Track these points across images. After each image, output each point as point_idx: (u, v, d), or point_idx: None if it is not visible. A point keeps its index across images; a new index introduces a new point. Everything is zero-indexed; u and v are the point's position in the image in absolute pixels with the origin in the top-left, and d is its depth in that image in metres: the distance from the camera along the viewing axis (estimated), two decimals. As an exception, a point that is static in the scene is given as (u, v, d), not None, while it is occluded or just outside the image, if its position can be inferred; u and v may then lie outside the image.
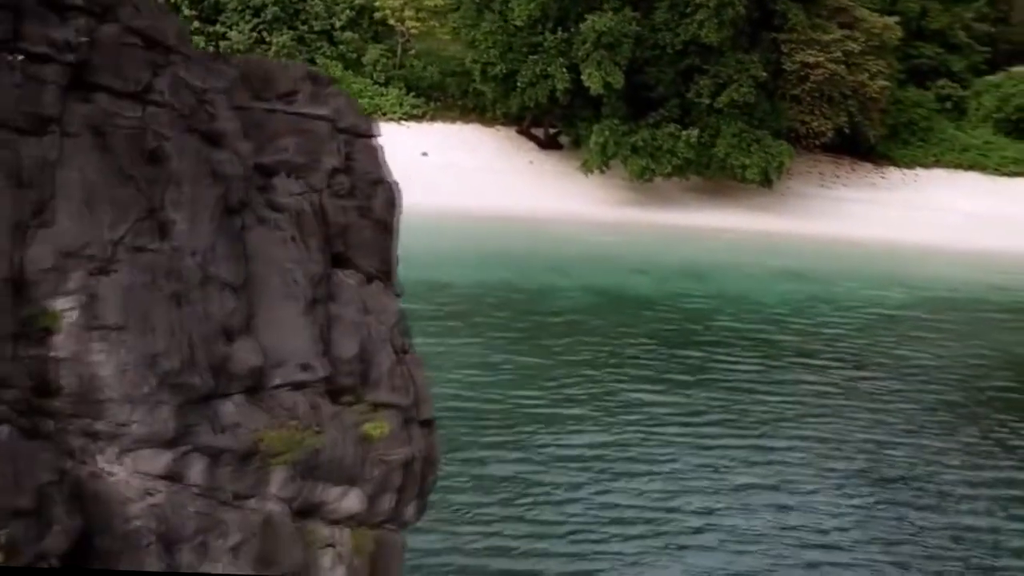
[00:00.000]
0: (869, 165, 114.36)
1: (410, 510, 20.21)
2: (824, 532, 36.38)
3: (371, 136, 20.05)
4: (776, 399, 47.88)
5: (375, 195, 20.08)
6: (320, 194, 19.41)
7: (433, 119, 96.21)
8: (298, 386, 18.89)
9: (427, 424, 20.35)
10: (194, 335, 18.01)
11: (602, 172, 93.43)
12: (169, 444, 18.04)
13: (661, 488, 38.26)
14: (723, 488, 39.12)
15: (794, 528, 36.32)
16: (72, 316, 17.28)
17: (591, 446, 41.31)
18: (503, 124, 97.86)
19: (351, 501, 19.53)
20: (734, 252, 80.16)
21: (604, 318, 61.16)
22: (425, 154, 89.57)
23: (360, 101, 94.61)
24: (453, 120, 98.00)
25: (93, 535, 17.76)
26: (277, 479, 18.97)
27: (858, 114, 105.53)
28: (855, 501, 38.21)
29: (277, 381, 18.74)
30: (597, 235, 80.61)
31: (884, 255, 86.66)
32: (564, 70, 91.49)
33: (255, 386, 18.66)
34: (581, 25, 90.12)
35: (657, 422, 44.12)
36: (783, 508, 38.18)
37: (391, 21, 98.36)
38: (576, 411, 44.97)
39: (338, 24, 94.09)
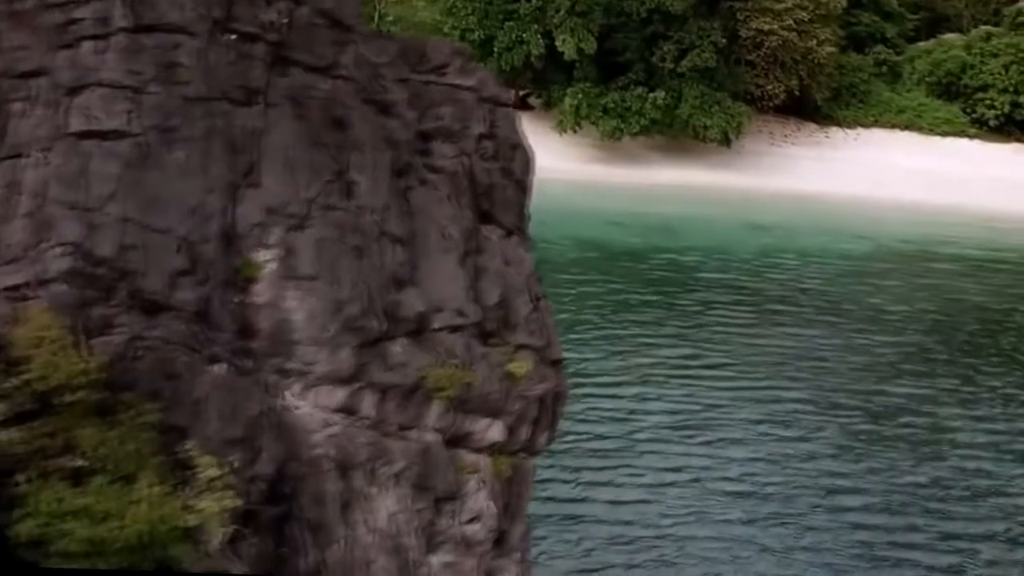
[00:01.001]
0: (814, 125, 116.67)
1: (542, 440, 21.93)
2: (832, 459, 38.46)
3: (509, 105, 21.63)
4: (772, 346, 49.84)
5: (514, 158, 21.65)
6: (469, 157, 20.96)
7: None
8: (454, 329, 20.45)
9: (556, 363, 22.02)
10: (371, 284, 19.50)
11: (575, 132, 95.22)
12: (346, 381, 19.55)
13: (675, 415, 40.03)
14: (735, 422, 41.19)
15: (807, 458, 38.48)
16: (272, 267, 18.75)
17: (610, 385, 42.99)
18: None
19: (494, 432, 21.15)
20: (700, 206, 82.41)
21: (596, 268, 62.87)
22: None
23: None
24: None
25: (286, 461, 19.20)
26: (434, 412, 20.54)
27: (807, 78, 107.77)
28: (854, 439, 40.27)
29: (437, 325, 20.27)
30: (570, 190, 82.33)
31: (835, 208, 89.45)
32: (538, 36, 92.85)
33: (418, 329, 20.21)
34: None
35: (673, 366, 45.95)
36: (789, 440, 40.35)
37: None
38: (589, 355, 46.75)
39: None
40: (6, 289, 17.15)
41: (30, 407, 16.32)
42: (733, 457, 37.92)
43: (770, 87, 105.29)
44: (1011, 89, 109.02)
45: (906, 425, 42.20)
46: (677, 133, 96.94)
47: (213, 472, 17.44)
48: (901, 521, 34.39)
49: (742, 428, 40.34)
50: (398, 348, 20.05)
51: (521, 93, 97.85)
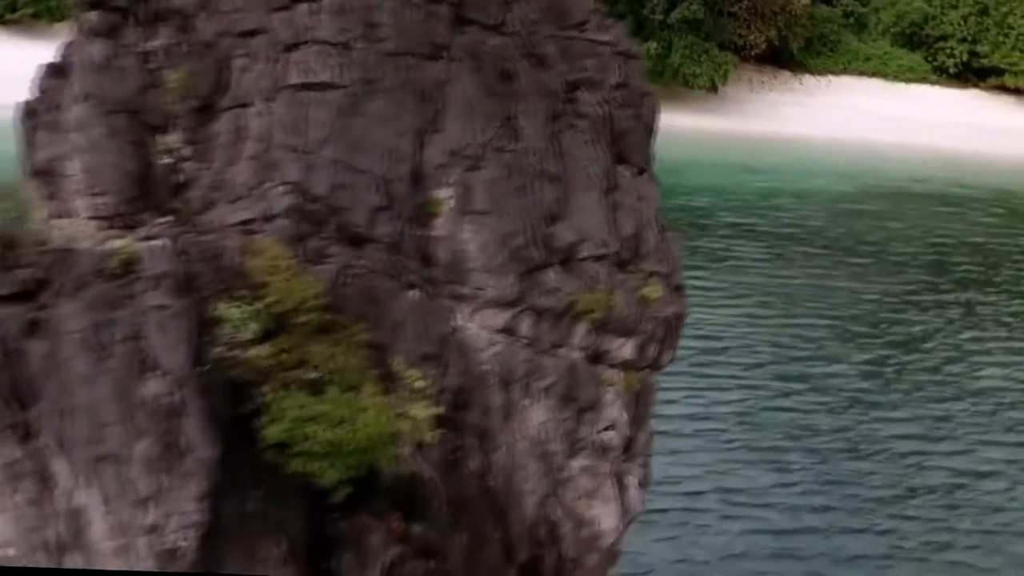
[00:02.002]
0: (788, 73, 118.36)
1: (665, 357, 23.71)
2: (863, 380, 40.47)
3: (639, 57, 23.16)
4: (790, 282, 51.57)
5: (643, 104, 23.30)
6: (608, 104, 22.54)
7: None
8: (597, 258, 22.17)
9: (679, 288, 23.75)
10: (532, 218, 21.18)
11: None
12: (509, 305, 21.30)
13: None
14: (766, 348, 43.07)
15: (826, 388, 40.48)
16: (451, 203, 20.41)
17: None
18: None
19: (627, 350, 22.93)
20: (695, 150, 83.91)
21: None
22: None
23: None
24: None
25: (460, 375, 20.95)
26: (580, 332, 22.30)
27: (784, 28, 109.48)
28: (881, 365, 42.20)
29: (584, 254, 21.98)
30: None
31: (816, 150, 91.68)
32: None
33: (567, 258, 21.92)
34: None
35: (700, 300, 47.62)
36: (819, 363, 42.37)
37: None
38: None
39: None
40: (237, 224, 18.72)
41: (269, 327, 17.93)
42: (769, 383, 39.85)
43: (751, 37, 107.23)
44: (969, 39, 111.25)
45: (926, 351, 44.30)
46: (668, 81, 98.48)
47: (420, 384, 19.24)
48: (940, 441, 36.27)
49: (774, 353, 42.30)
50: (551, 275, 21.73)
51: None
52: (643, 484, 24.74)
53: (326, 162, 19.09)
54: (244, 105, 19.27)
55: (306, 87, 19.05)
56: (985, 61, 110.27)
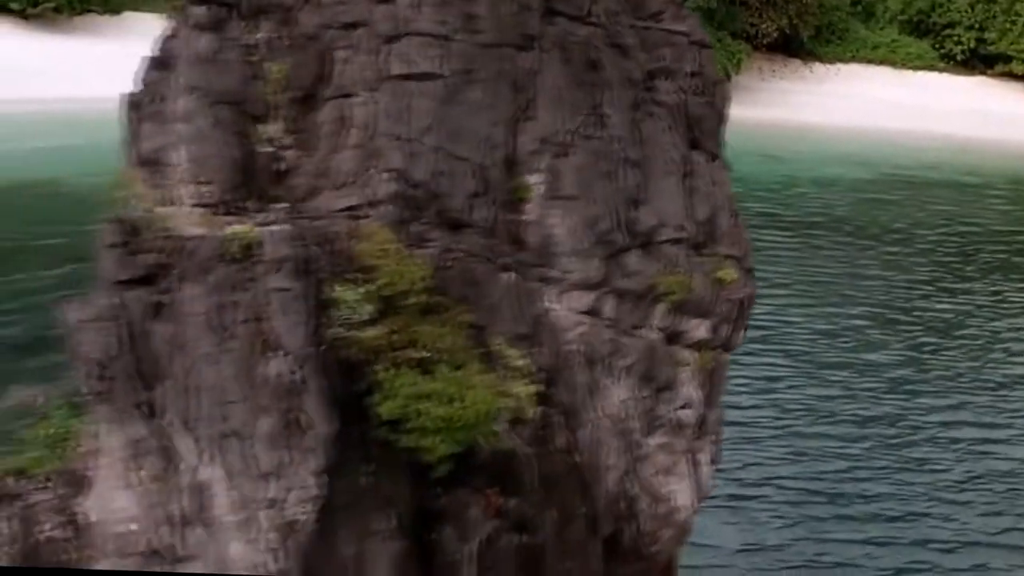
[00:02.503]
0: (798, 61, 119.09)
1: (736, 338, 24.32)
2: (895, 370, 41.17)
3: (711, 47, 23.73)
4: (821, 268, 51.97)
5: (716, 93, 23.86)
6: (684, 93, 23.12)
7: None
8: (675, 242, 22.77)
9: (750, 271, 24.37)
10: (616, 203, 21.76)
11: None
12: (594, 287, 21.89)
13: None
14: (809, 334, 43.69)
15: (867, 374, 41.13)
16: (540, 188, 20.99)
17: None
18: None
19: (702, 330, 23.54)
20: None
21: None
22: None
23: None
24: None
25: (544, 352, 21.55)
26: (658, 313, 22.91)
27: (795, 17, 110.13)
28: (918, 351, 42.80)
29: (663, 237, 22.57)
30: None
31: (830, 137, 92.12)
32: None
33: (648, 242, 22.50)
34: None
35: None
36: (860, 350, 43.03)
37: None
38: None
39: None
40: (343, 209, 19.33)
41: (379, 309, 18.55)
42: (812, 369, 40.45)
43: (763, 25, 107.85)
44: (976, 26, 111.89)
45: (962, 337, 44.91)
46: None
47: (520, 362, 19.85)
48: (992, 428, 36.81)
49: (813, 340, 42.91)
50: (633, 258, 22.34)
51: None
52: (713, 462, 25.38)
53: (427, 149, 19.65)
54: (347, 95, 19.80)
55: (408, 77, 19.59)
56: (992, 48, 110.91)
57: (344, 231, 18.79)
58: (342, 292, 17.87)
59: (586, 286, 21.91)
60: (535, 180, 20.97)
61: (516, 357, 19.71)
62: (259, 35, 20.27)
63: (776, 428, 34.77)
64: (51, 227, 45.94)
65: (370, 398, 18.38)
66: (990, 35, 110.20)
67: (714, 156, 24.04)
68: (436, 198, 19.76)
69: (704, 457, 24.77)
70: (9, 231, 45.30)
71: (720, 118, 24.05)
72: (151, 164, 20.55)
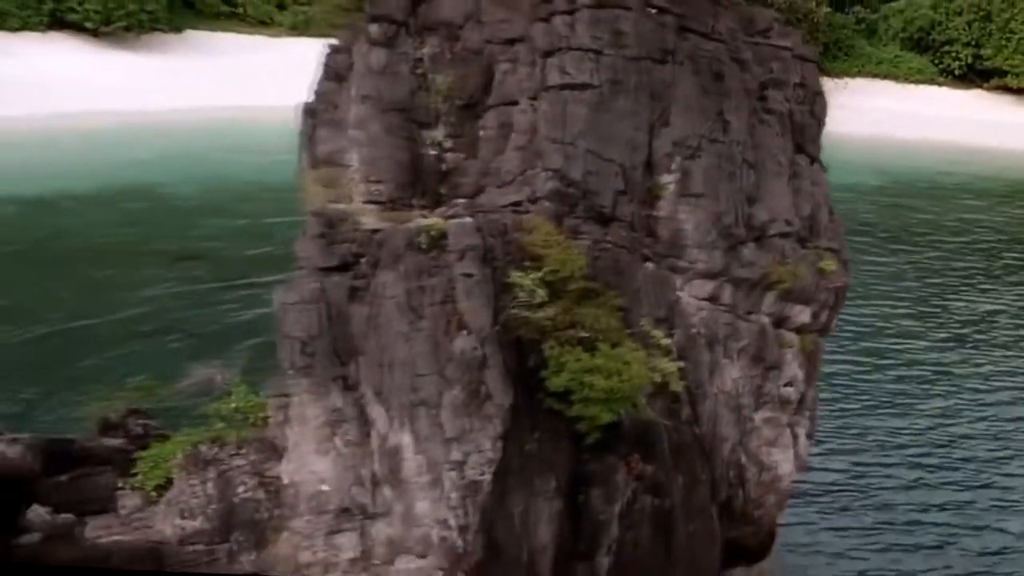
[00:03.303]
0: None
1: (832, 323, 25.36)
2: (939, 358, 41.99)
3: (813, 60, 24.79)
4: (866, 270, 52.29)
5: (816, 102, 24.90)
6: (789, 102, 24.15)
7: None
8: (784, 235, 23.79)
9: (845, 263, 25.41)
10: (736, 200, 22.78)
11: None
12: (715, 276, 22.91)
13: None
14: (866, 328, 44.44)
15: (914, 362, 42.01)
16: (672, 187, 21.99)
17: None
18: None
19: (804, 315, 24.54)
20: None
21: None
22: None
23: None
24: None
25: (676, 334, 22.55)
26: (768, 300, 23.93)
27: (808, 35, 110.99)
28: (962, 344, 43.57)
29: (773, 232, 23.59)
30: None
31: (847, 147, 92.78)
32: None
33: (760, 235, 23.48)
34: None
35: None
36: (901, 339, 43.55)
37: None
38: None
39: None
40: (507, 205, 20.43)
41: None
42: (861, 358, 41.28)
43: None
44: (973, 43, 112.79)
45: (996, 330, 45.79)
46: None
47: (665, 342, 20.92)
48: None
49: (859, 332, 43.78)
50: (748, 250, 23.37)
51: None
52: (809, 436, 26.43)
53: (581, 152, 20.73)
54: (509, 103, 20.88)
55: (565, 87, 20.67)
56: (988, 63, 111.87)
57: (512, 224, 19.83)
58: (519, 278, 18.91)
59: (709, 275, 22.94)
60: (668, 179, 22.01)
61: (661, 337, 20.76)
62: (425, 50, 21.35)
63: (831, 417, 35.50)
64: (154, 229, 47.16)
65: (540, 372, 19.39)
66: (986, 51, 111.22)
67: (813, 159, 25.09)
68: (587, 195, 20.81)
69: (802, 431, 25.80)
70: (118, 232, 46.47)
71: (820, 125, 25.11)
72: (326, 165, 21.65)
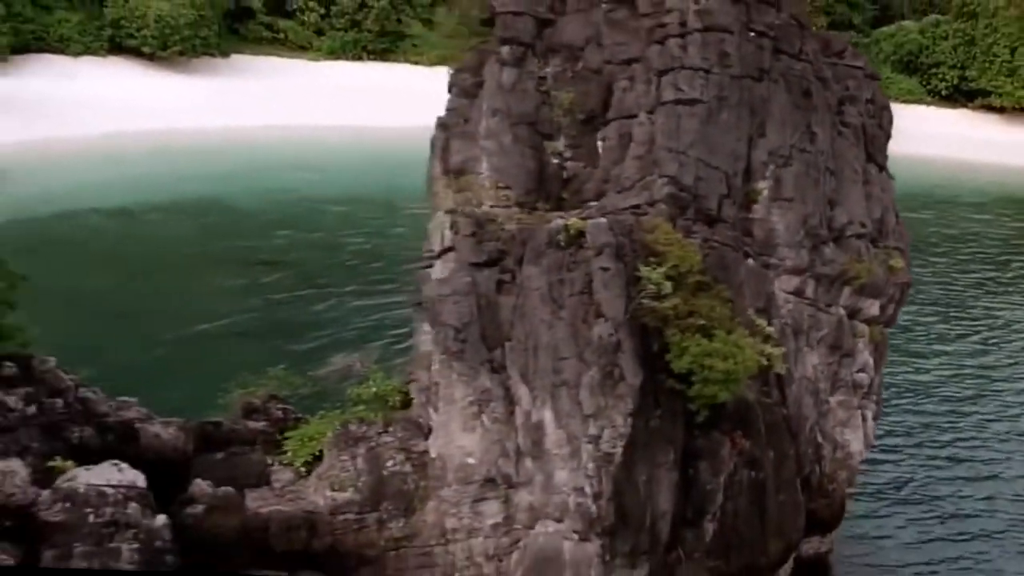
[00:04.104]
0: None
1: (897, 315, 26.52)
2: (967, 357, 42.88)
3: (879, 78, 26.00)
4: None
5: (883, 116, 26.09)
6: (862, 116, 25.34)
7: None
8: (859, 236, 24.96)
9: (909, 261, 26.55)
10: (820, 204, 23.93)
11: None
12: (801, 272, 24.05)
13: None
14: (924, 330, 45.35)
15: (943, 357, 43.00)
16: (765, 192, 23.14)
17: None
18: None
19: (874, 309, 25.68)
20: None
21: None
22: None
23: (434, 52, 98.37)
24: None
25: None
26: (845, 294, 25.08)
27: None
28: (982, 342, 44.52)
29: (850, 232, 24.75)
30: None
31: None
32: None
33: (839, 236, 24.62)
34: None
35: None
36: (930, 338, 44.54)
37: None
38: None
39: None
40: (627, 208, 21.58)
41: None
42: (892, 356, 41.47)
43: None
44: (958, 65, 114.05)
45: (1017, 331, 46.97)
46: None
47: (769, 329, 22.06)
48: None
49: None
50: (829, 249, 24.52)
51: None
52: (875, 418, 27.57)
53: (692, 160, 21.90)
54: (628, 117, 22.06)
55: (679, 102, 21.84)
56: (973, 84, 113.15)
57: (635, 224, 20.99)
58: (647, 272, 20.04)
59: (796, 271, 24.08)
60: (763, 185, 23.17)
61: (766, 325, 21.89)
62: (549, 69, 22.53)
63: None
64: (225, 237, 48.26)
65: (663, 356, 20.52)
66: (971, 73, 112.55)
67: (881, 167, 26.28)
68: (697, 199, 21.97)
69: (870, 413, 26.93)
70: (196, 240, 47.61)
71: (887, 136, 26.30)
72: (458, 173, 22.81)
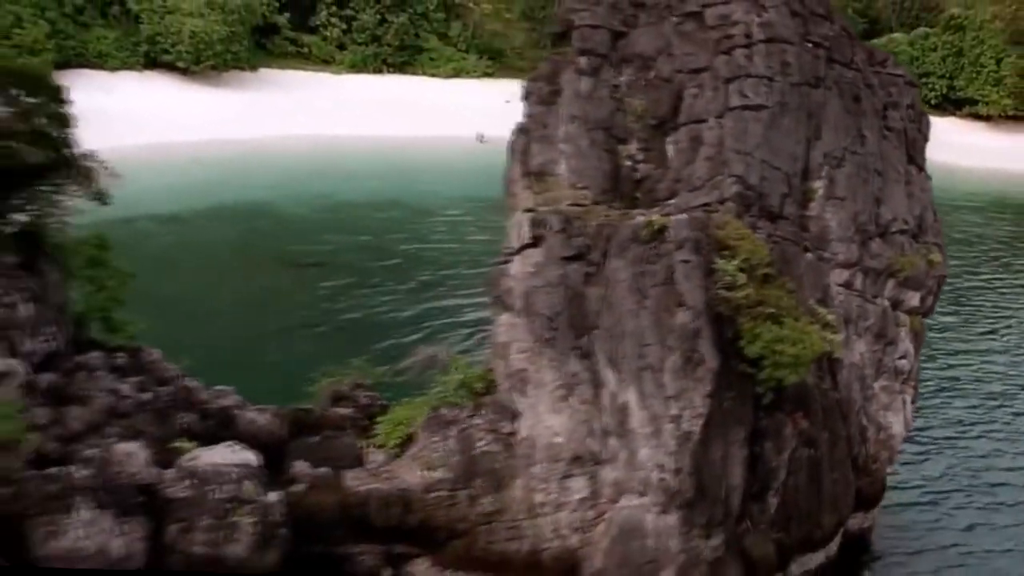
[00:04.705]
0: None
1: (934, 307, 27.36)
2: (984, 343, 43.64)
3: (917, 86, 26.88)
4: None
5: (922, 121, 26.98)
6: (904, 120, 26.22)
7: (498, 77, 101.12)
8: (902, 232, 25.82)
9: (945, 256, 27.40)
10: (869, 202, 24.78)
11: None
12: (851, 266, 24.94)
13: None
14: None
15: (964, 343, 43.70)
16: (820, 191, 24.00)
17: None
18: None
19: (914, 300, 26.55)
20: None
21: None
22: (508, 101, 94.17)
23: (450, 64, 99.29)
24: (512, 77, 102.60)
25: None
26: (889, 286, 25.92)
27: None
28: (993, 333, 45.28)
29: (894, 229, 25.63)
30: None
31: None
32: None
33: (884, 232, 25.49)
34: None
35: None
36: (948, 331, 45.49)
37: (469, 3, 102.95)
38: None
39: (431, 6, 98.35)
40: (698, 206, 22.42)
41: (739, 277, 21.51)
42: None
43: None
44: (947, 75, 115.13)
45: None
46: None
47: (830, 317, 22.90)
48: None
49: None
50: (875, 244, 25.37)
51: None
52: (913, 401, 28.41)
53: (757, 161, 22.75)
54: (697, 121, 22.91)
55: (745, 108, 22.70)
56: (961, 93, 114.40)
57: (708, 220, 21.84)
58: (722, 264, 20.89)
59: (846, 265, 24.93)
60: (818, 185, 24.03)
61: (827, 314, 22.74)
62: (622, 78, 23.38)
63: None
64: (271, 240, 49.00)
65: (736, 342, 21.35)
66: (959, 83, 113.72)
67: (920, 168, 27.16)
68: (761, 197, 22.82)
69: (909, 398, 27.78)
70: (245, 242, 48.39)
71: (925, 139, 27.18)
72: (538, 175, 23.64)
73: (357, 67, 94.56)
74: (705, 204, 22.42)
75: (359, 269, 45.23)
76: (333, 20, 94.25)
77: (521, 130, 23.82)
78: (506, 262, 23.66)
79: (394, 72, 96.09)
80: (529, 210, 22.84)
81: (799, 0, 23.69)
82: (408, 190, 62.71)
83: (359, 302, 40.62)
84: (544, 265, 21.07)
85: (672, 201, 21.98)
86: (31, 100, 19.66)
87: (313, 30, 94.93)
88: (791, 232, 23.15)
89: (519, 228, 22.93)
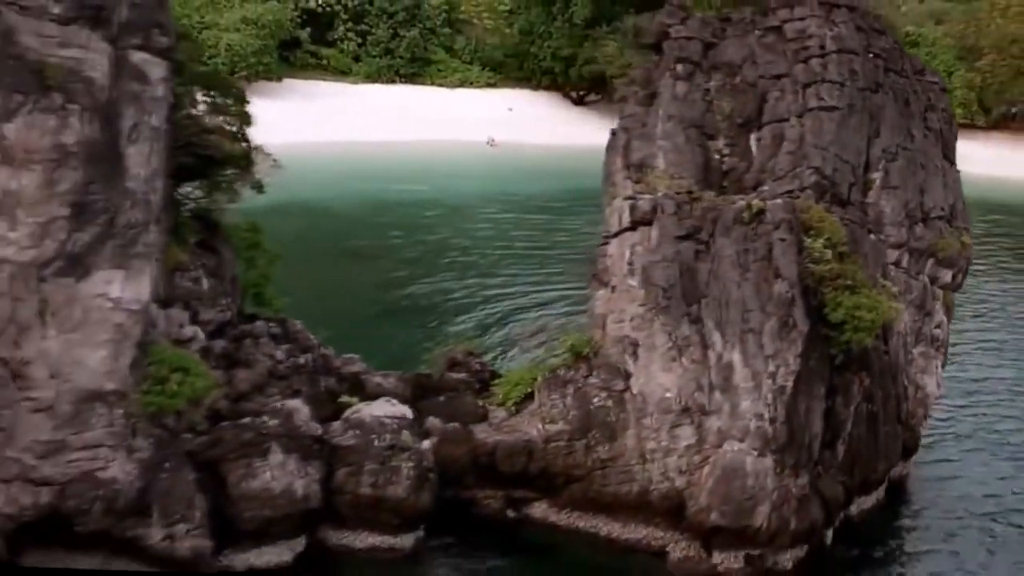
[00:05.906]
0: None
1: (963, 283, 29.22)
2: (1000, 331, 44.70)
3: (947, 90, 28.78)
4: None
5: (952, 122, 28.89)
6: (939, 121, 28.09)
7: (500, 87, 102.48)
8: (940, 218, 27.64)
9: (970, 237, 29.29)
10: (916, 191, 26.61)
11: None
12: (899, 246, 26.90)
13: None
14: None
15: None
16: (877, 181, 25.83)
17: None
18: (545, 89, 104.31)
19: (947, 276, 28.43)
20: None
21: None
22: (511, 109, 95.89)
23: (456, 75, 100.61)
24: (512, 87, 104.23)
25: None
26: (928, 264, 27.78)
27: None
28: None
29: (934, 215, 27.47)
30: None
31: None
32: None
33: (926, 217, 27.31)
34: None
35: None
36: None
37: (473, 19, 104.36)
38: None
39: (439, 22, 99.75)
40: (782, 194, 24.13)
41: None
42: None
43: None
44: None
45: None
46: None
47: (894, 290, 24.71)
48: None
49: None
50: (919, 228, 27.21)
51: (581, 93, 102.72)
52: (943, 366, 30.31)
53: (831, 155, 24.52)
54: (779, 121, 24.65)
55: (821, 109, 24.48)
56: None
57: (795, 204, 23.55)
58: (811, 242, 22.63)
59: (896, 246, 26.75)
60: (875, 176, 25.84)
61: (892, 286, 24.54)
62: (712, 82, 25.07)
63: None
64: (351, 236, 50.21)
65: (820, 310, 23.09)
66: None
67: (952, 163, 29.05)
68: (833, 186, 24.59)
69: (940, 362, 29.67)
70: (312, 236, 49.60)
71: (955, 138, 29.10)
72: (638, 167, 25.26)
73: (371, 77, 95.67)
74: (788, 191, 24.13)
75: (417, 260, 46.60)
76: (350, 35, 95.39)
77: (622, 128, 25.42)
78: (605, 244, 25.30)
79: (405, 82, 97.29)
80: (630, 198, 24.47)
81: (862, 17, 25.40)
82: (442, 189, 64.09)
83: (428, 287, 42.04)
84: (659, 243, 22.70)
85: (764, 188, 23.62)
86: (223, 100, 20.99)
87: (331, 44, 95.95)
88: (857, 216, 24.93)
89: (620, 214, 24.56)
